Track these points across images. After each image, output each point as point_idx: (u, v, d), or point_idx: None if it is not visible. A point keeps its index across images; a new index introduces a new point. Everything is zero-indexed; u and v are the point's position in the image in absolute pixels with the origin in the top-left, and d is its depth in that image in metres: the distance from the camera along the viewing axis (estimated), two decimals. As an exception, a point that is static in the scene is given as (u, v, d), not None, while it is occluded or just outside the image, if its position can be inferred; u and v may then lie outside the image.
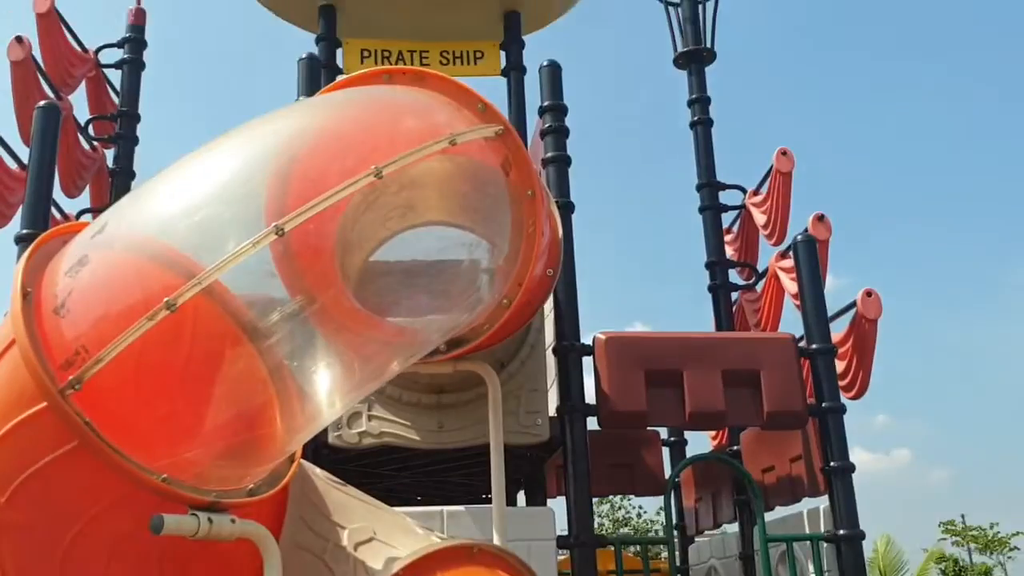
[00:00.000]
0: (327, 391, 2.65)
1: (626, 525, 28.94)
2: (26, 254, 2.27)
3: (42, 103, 4.68)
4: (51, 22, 5.67)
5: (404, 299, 3.33)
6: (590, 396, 4.64)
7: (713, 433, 7.50)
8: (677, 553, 4.96)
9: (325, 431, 4.27)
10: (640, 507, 30.60)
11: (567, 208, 4.80)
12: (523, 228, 2.81)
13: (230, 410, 2.40)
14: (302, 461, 3.06)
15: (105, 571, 2.31)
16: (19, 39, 5.22)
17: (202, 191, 2.33)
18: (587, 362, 4.69)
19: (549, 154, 4.87)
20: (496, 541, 3.38)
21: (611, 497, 27.31)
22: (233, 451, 2.36)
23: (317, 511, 2.81)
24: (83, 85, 6.33)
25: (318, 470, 3.09)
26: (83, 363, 2.06)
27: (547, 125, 4.94)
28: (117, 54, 6.57)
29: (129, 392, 2.24)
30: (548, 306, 4.77)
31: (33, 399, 2.09)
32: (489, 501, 4.91)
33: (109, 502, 2.18)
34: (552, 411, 4.54)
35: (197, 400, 2.36)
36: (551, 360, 4.72)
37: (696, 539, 7.25)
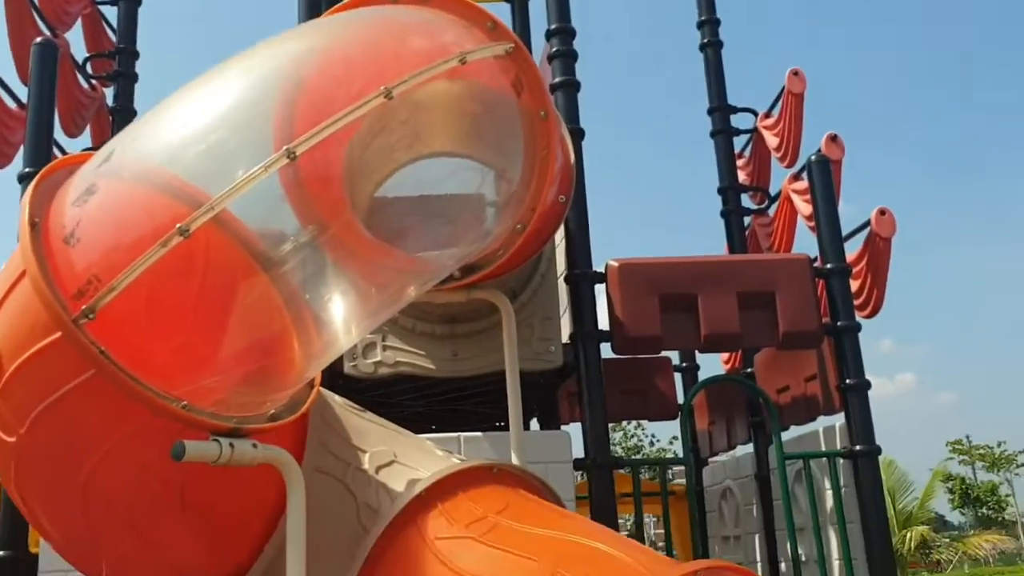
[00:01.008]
0: (342, 318, 2.63)
1: (638, 453, 29.36)
2: (32, 184, 2.23)
3: (38, 40, 4.59)
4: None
5: (414, 231, 3.31)
6: (604, 324, 4.63)
7: (726, 357, 7.53)
8: (693, 475, 5.01)
9: (340, 361, 4.28)
10: (652, 435, 31.01)
11: (577, 134, 4.72)
12: (536, 151, 2.75)
13: (246, 338, 2.38)
14: (321, 388, 3.07)
15: (128, 500, 2.32)
16: (10, -27, 5.12)
17: (207, 118, 2.28)
18: (600, 290, 4.67)
19: (557, 79, 4.78)
20: (515, 462, 3.39)
21: (624, 426, 27.66)
22: (251, 378, 2.36)
23: (337, 436, 2.82)
24: (79, 23, 6.23)
25: (337, 397, 3.09)
26: (95, 292, 2.04)
27: (555, 49, 4.83)
28: (114, -11, 6.45)
29: (143, 322, 2.23)
30: (559, 235, 4.73)
31: (47, 330, 2.08)
32: (503, 429, 4.96)
33: (129, 431, 2.18)
34: (565, 338, 4.54)
35: (212, 329, 2.35)
36: (563, 289, 4.70)
37: (710, 461, 7.33)
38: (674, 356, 7.35)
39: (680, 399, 7.60)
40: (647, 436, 29.91)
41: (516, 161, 2.82)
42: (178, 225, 2.02)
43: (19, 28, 5.11)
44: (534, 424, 6.42)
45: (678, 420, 8.12)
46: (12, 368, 2.17)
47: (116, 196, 2.19)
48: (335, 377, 4.26)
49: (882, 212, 5.23)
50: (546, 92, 2.72)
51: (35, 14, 5.39)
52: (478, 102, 3.04)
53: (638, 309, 4.45)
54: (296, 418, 2.58)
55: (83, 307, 2.04)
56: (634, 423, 29.36)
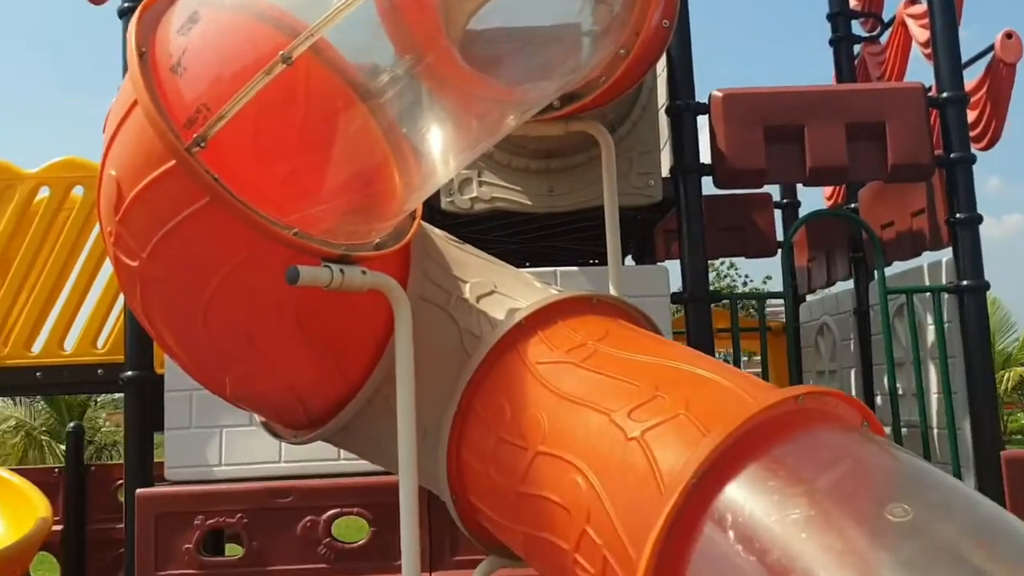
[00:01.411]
0: (440, 150, 2.64)
1: (735, 291, 29.26)
2: (136, 13, 2.25)
3: None
4: None
5: (510, 61, 3.23)
6: (706, 158, 4.52)
7: (828, 193, 7.32)
8: (792, 308, 4.99)
9: (437, 197, 4.32)
10: (746, 276, 30.80)
11: (678, -43, 4.47)
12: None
13: (349, 168, 2.42)
14: (422, 222, 3.13)
15: (246, 322, 2.44)
16: None
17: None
18: (702, 123, 4.54)
19: None
20: (612, 294, 3.43)
21: (716, 266, 27.51)
22: (355, 208, 2.41)
23: (439, 266, 2.88)
24: None
25: (437, 230, 3.14)
26: (205, 121, 2.09)
27: None
28: None
29: (251, 151, 2.28)
30: (660, 65, 4.57)
31: (162, 158, 2.14)
32: (599, 266, 4.98)
33: (244, 256, 2.27)
34: (665, 172, 4.47)
35: (317, 158, 2.39)
36: (664, 121, 4.58)
37: (807, 298, 7.27)
38: (774, 193, 7.20)
39: (780, 236, 7.52)
40: (740, 276, 29.69)
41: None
42: (281, 53, 2.02)
43: None
44: (629, 262, 6.44)
45: (776, 258, 8.12)
46: (131, 196, 2.26)
47: (219, 25, 2.19)
48: (433, 213, 4.31)
49: (1008, 35, 4.86)
50: (651, -96, 2.56)
51: None
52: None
53: (742, 141, 4.33)
54: (400, 248, 2.64)
55: (195, 136, 2.09)
56: (727, 263, 29.15)
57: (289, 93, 2.30)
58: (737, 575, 1.60)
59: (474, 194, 4.26)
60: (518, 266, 5.06)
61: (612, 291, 3.44)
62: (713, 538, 1.69)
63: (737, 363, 5.45)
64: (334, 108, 2.52)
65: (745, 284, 29.25)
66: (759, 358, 5.38)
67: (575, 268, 4.23)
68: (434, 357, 2.75)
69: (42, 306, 4.79)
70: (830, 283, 6.63)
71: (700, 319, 4.24)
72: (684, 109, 4.37)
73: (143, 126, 2.17)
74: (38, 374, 4.63)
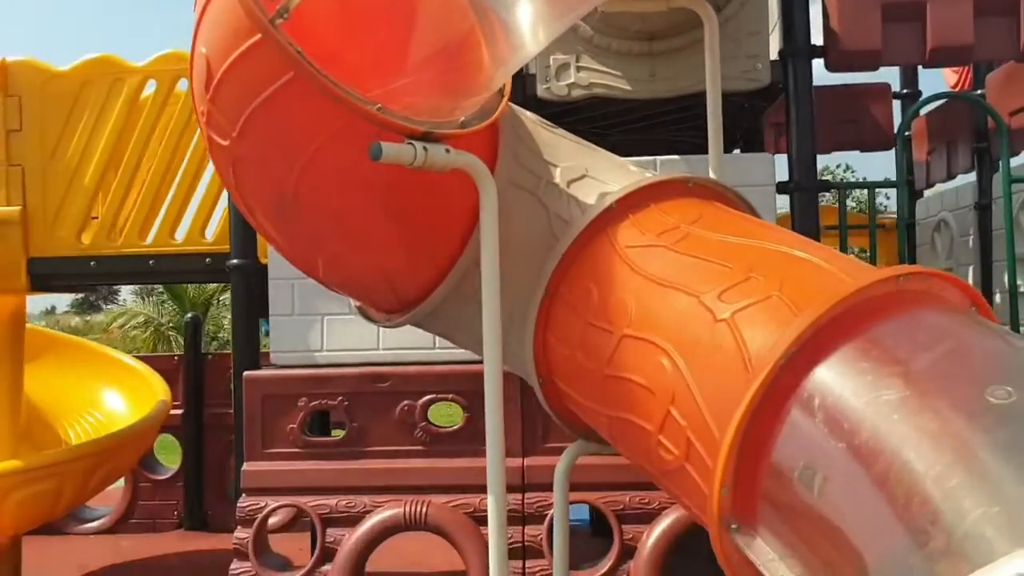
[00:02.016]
0: (529, 20, 2.54)
1: (850, 197, 28.17)
2: None
3: None
4: None
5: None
6: (818, 40, 4.25)
7: (952, 81, 6.87)
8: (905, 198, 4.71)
9: (533, 84, 4.22)
10: (864, 178, 29.54)
11: None
12: None
13: (434, 40, 2.36)
14: (512, 104, 3.05)
15: (335, 201, 2.45)
16: None
17: None
18: (814, 3, 4.25)
19: None
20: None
21: (831, 169, 26.47)
22: (440, 82, 2.35)
23: (529, 149, 2.81)
24: None
25: (528, 113, 3.06)
26: (287, -8, 2.05)
27: None
28: None
29: (336, 24, 2.24)
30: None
31: (249, 32, 2.12)
32: (690, 152, 4.81)
33: (330, 132, 2.25)
34: (774, 56, 4.23)
35: (401, 31, 2.34)
36: (774, 2, 4.32)
37: (925, 193, 6.89)
38: (895, 82, 6.79)
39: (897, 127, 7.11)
40: (855, 176, 28.52)
41: None
42: (361, -83, 1.95)
43: None
44: (737, 153, 6.21)
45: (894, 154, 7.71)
46: (220, 73, 2.26)
47: None
48: (528, 100, 4.22)
49: None
50: None
51: None
52: None
53: (857, 19, 4.05)
54: (487, 128, 2.57)
55: (278, 7, 2.06)
56: (843, 166, 28.04)
57: (372, -37, 2.24)
58: (824, 457, 1.54)
59: (571, 80, 4.13)
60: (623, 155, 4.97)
61: (712, 175, 3.31)
62: (800, 419, 1.63)
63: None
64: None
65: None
66: (868, 255, 5.16)
67: (676, 156, 4.09)
68: (523, 242, 2.71)
69: (153, 198, 4.95)
70: (950, 176, 6.25)
71: (807, 209, 4.06)
72: (795, -14, 4.10)
73: (230, 5, 2.15)
74: (151, 262, 4.82)
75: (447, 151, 2.26)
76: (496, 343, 2.35)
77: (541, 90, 4.15)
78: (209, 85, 2.33)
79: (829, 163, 25.99)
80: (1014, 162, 4.75)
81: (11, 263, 4.76)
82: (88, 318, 35.33)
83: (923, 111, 6.76)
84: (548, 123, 3.05)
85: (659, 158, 4.08)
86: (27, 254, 4.81)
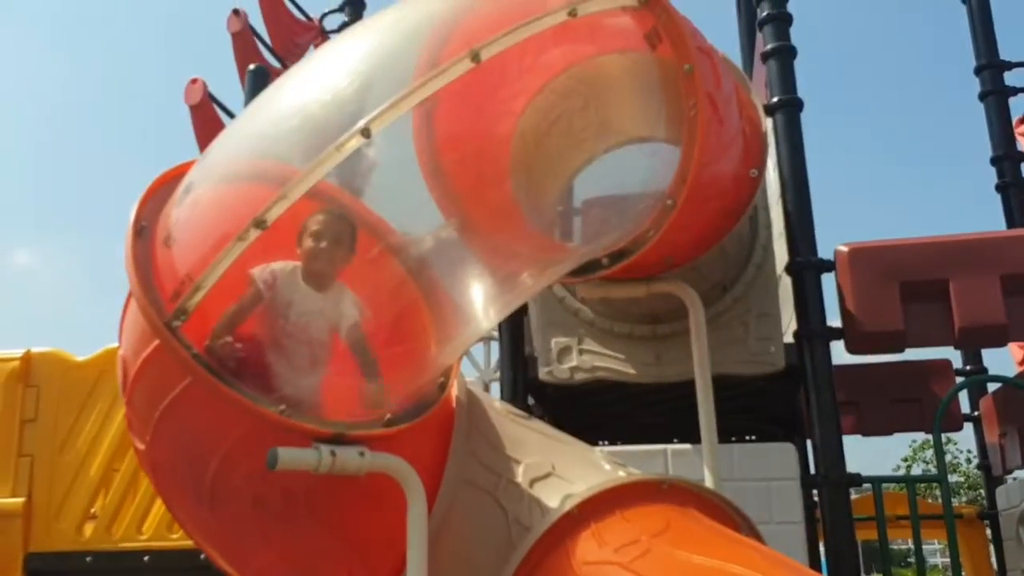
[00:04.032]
0: (480, 297, 2.43)
1: (955, 471, 26.58)
2: (143, 191, 2.22)
3: (252, 66, 4.82)
4: (270, -7, 5.87)
5: (566, 220, 3.04)
6: (834, 320, 4.03)
7: (1020, 358, 6.45)
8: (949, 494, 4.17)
9: (535, 366, 4.05)
10: (968, 451, 27.96)
11: (793, 105, 4.18)
12: (683, 113, 2.36)
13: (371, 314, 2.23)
14: (481, 393, 2.86)
15: (252, 511, 2.23)
16: (236, 12, 5.45)
17: (303, 95, 2.15)
18: (827, 282, 4.08)
19: (769, 46, 4.26)
20: (708, 480, 2.98)
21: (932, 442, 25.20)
22: (357, 375, 2.19)
23: (489, 445, 2.59)
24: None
25: (497, 403, 2.87)
26: (186, 292, 1.96)
27: (765, 13, 4.32)
28: (340, 18, 6.71)
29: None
30: (780, 220, 4.21)
31: (150, 337, 2.03)
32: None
33: (237, 438, 2.08)
34: (789, 337, 4.00)
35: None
36: (786, 282, 4.16)
37: (1007, 479, 6.27)
38: (956, 358, 6.44)
39: (965, 408, 6.62)
40: (962, 452, 26.95)
41: (660, 121, 2.45)
42: (254, 217, 1.88)
43: (246, 61, 5.40)
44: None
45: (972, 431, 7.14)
46: (131, 377, 2.16)
47: (208, 191, 2.11)
48: (529, 383, 4.04)
49: None
50: (689, 44, 2.31)
51: (262, 46, 5.71)
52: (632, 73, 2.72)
53: (875, 300, 3.82)
54: (434, 423, 2.38)
55: (175, 308, 1.97)
56: (945, 437, 26.67)
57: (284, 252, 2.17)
58: None
59: (574, 363, 3.95)
60: (632, 441, 4.67)
61: (707, 474, 3.00)
62: None
63: (919, 557, 4.65)
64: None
65: (969, 461, 26.52)
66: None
67: (689, 446, 3.77)
68: (480, 551, 2.41)
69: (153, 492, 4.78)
70: (1026, 463, 5.67)
71: (836, 503, 3.63)
72: (805, 267, 3.93)
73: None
74: (146, 558, 4.57)
75: (361, 453, 2.05)
76: None
77: (543, 373, 3.97)
78: (125, 389, 2.22)
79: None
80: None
81: (9, 560, 4.58)
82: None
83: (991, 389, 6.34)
84: (519, 413, 2.84)
85: (670, 447, 3.78)
86: (26, 548, 4.63)
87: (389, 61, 2.14)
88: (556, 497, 2.38)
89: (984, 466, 6.60)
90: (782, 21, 4.30)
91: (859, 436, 6.00)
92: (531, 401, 4.24)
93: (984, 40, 5.91)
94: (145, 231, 2.13)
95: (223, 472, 2.14)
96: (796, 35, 4.35)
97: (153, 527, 4.64)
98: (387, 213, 2.40)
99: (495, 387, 6.73)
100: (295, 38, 6.00)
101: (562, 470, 2.52)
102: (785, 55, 4.25)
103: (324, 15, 6.67)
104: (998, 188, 5.81)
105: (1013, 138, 5.90)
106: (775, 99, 4.17)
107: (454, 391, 2.51)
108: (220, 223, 1.97)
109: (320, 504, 2.24)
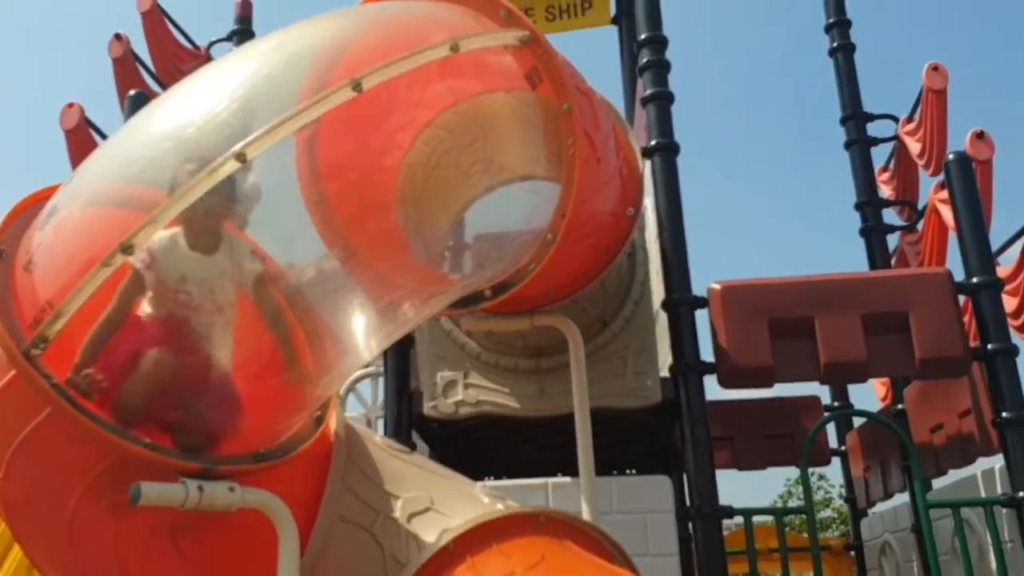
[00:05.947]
0: (362, 327, 2.41)
1: (827, 506, 27.47)
2: (4, 214, 2.12)
3: (132, 92, 4.70)
4: (155, 20, 5.73)
5: (454, 254, 3.06)
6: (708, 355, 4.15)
7: (882, 394, 6.78)
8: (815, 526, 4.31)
9: (420, 401, 4.03)
10: (841, 486, 28.99)
11: (671, 150, 4.33)
12: (562, 151, 2.42)
13: (223, 362, 2.16)
14: (362, 428, 2.82)
15: (114, 547, 2.13)
16: (118, 36, 5.31)
17: (178, 117, 2.11)
18: (702, 318, 4.21)
19: (648, 91, 4.42)
20: (585, 512, 3.01)
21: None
22: (227, 408, 2.13)
23: (367, 480, 2.56)
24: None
25: (377, 438, 2.84)
26: (46, 319, 1.88)
27: (645, 60, 4.48)
28: (227, 47, 6.61)
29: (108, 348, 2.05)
30: (657, 258, 4.32)
31: (7, 367, 1.93)
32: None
33: (100, 471, 1.99)
34: (665, 372, 4.10)
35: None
36: (663, 318, 4.27)
37: (869, 512, 6.55)
38: (824, 395, 6.71)
39: (833, 442, 6.89)
40: (834, 487, 27.90)
41: (540, 159, 2.51)
42: (120, 241, 1.82)
43: (127, 86, 5.25)
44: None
45: (839, 466, 7.43)
46: (-16, 410, 2.04)
47: (73, 214, 2.03)
48: (413, 418, 4.02)
49: (979, 135, 4.51)
50: (568, 84, 2.39)
51: (144, 71, 5.56)
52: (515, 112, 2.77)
53: (745, 336, 3.97)
54: (309, 458, 2.34)
55: (33, 336, 1.88)
56: (816, 474, 27.64)
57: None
58: None
59: (459, 397, 3.95)
60: (517, 474, 4.68)
61: (584, 507, 3.04)
62: None
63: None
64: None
65: (841, 496, 27.46)
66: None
67: (568, 479, 3.81)
68: (355, 586, 2.39)
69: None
70: (887, 495, 5.94)
71: (709, 537, 3.72)
72: (680, 303, 4.05)
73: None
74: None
75: (231, 489, 1.99)
76: None
77: (428, 408, 3.95)
78: (-23, 423, 2.10)
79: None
80: (945, 482, 4.49)
81: None
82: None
83: (856, 425, 6.63)
84: (400, 448, 2.81)
85: (551, 480, 3.81)
86: None
87: (270, 86, 2.12)
88: (433, 532, 2.37)
89: (850, 499, 6.87)
90: (661, 68, 4.47)
91: (737, 472, 6.19)
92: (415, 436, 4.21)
93: (849, 92, 6.26)
94: (4, 255, 2.04)
95: (84, 506, 2.04)
96: (675, 82, 4.52)
97: (11, 572, 4.38)
98: (266, 240, 2.36)
99: (380, 424, 6.67)
100: (180, 65, 5.87)
101: (441, 504, 2.52)
102: (663, 101, 4.41)
103: (211, 44, 6.57)
104: (861, 232, 6.12)
105: (875, 185, 6.24)
106: (653, 142, 4.30)
107: (332, 425, 2.47)
108: (85, 248, 1.91)
109: (187, 541, 2.16)
